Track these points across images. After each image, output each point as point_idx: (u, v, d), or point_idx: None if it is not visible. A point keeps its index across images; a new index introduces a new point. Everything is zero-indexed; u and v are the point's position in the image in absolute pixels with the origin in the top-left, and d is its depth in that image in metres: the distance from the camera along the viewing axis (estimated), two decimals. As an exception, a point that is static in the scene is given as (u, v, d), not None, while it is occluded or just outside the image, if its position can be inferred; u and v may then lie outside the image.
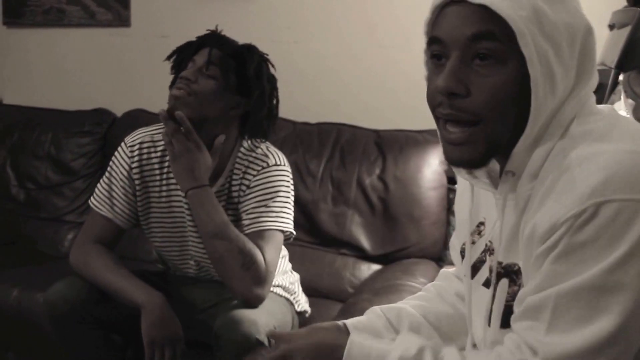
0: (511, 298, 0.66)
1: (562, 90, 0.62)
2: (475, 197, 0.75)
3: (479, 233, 0.76)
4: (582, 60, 0.64)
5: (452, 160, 0.65)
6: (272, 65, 1.27)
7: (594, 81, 0.66)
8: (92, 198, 1.28)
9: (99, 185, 1.28)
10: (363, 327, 0.79)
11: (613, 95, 1.42)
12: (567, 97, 0.63)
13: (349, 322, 0.80)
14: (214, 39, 1.24)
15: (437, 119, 0.66)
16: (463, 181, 0.78)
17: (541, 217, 0.60)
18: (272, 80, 1.27)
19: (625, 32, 1.28)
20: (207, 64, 1.20)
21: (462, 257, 0.77)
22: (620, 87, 1.35)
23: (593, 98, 0.67)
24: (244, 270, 1.13)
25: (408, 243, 1.57)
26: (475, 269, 0.75)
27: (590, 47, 0.64)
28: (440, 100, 0.63)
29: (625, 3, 1.39)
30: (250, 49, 1.25)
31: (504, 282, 0.67)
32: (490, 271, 0.71)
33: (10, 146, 1.99)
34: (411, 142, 1.62)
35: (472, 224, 0.76)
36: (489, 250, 0.72)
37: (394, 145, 1.62)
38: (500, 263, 0.68)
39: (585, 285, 0.57)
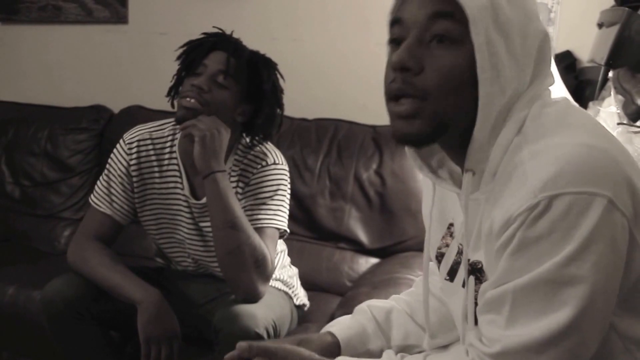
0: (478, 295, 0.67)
1: (514, 85, 0.63)
2: (441, 198, 0.75)
3: (451, 235, 0.76)
4: (539, 63, 0.65)
5: (400, 135, 0.65)
6: (282, 76, 1.26)
7: (550, 80, 0.67)
8: (91, 195, 1.28)
9: (98, 182, 1.28)
10: (353, 335, 0.82)
11: (603, 91, 1.45)
12: (522, 94, 0.64)
13: (339, 332, 0.81)
14: (228, 44, 1.20)
15: (387, 100, 0.65)
16: (427, 185, 0.78)
17: (497, 212, 0.61)
18: (281, 91, 1.26)
19: (613, 31, 1.32)
20: (223, 74, 1.16)
21: (439, 261, 0.77)
22: (610, 84, 1.39)
23: (548, 91, 0.68)
24: (255, 266, 1.13)
25: (405, 236, 1.58)
26: (453, 271, 0.75)
27: (546, 52, 0.66)
28: (394, 76, 0.64)
29: (613, 2, 1.42)
30: (265, 61, 1.23)
31: (472, 279, 0.68)
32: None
33: (6, 143, 1.98)
34: (407, 137, 1.64)
35: (441, 226, 0.76)
36: (462, 252, 0.72)
37: (390, 141, 1.60)
38: (468, 260, 0.68)
39: (542, 279, 0.57)
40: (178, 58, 1.23)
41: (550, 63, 0.67)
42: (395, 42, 0.66)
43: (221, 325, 1.09)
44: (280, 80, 1.26)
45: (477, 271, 0.67)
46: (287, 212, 1.25)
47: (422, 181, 0.82)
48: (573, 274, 0.56)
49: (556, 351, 0.57)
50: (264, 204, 1.21)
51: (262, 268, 1.14)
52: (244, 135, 1.26)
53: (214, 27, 1.26)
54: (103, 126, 1.94)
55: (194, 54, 1.20)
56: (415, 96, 0.63)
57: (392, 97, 0.65)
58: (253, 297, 1.15)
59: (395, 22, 0.66)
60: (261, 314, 1.11)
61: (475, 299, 0.67)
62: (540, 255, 0.57)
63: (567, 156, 0.58)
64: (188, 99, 1.15)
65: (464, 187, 0.67)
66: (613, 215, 0.57)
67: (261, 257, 1.14)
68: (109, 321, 1.22)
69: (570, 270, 0.56)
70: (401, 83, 0.63)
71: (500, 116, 0.63)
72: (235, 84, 1.18)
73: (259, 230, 1.18)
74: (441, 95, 0.62)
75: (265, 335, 1.09)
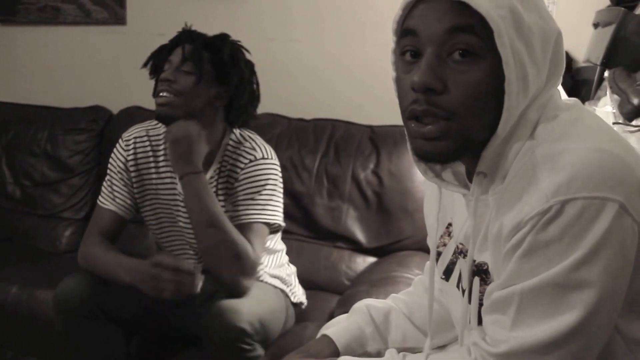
0: (483, 296, 0.67)
1: (533, 91, 0.62)
2: (442, 199, 0.74)
3: (449, 235, 0.76)
4: (554, 63, 0.64)
5: (424, 154, 0.64)
6: (247, 50, 1.30)
7: (560, 80, 0.66)
8: (98, 197, 1.32)
9: (103, 184, 1.33)
10: (351, 338, 0.82)
11: (599, 90, 1.46)
12: (537, 97, 0.63)
13: (337, 337, 0.82)
14: (185, 36, 1.26)
15: (408, 118, 0.63)
16: (430, 185, 0.78)
17: (507, 215, 0.61)
18: (249, 64, 1.29)
19: (609, 31, 1.32)
20: (182, 61, 1.22)
21: (435, 261, 0.78)
22: (605, 83, 1.39)
23: (558, 92, 0.67)
24: (234, 260, 1.16)
25: (402, 236, 1.59)
26: (448, 271, 0.75)
27: (560, 51, 0.65)
28: (415, 97, 0.61)
29: (608, 3, 1.43)
30: (222, 38, 1.27)
31: (477, 280, 0.68)
32: (460, 272, 0.72)
33: (6, 144, 1.99)
34: (404, 137, 1.62)
35: (440, 226, 0.76)
36: (461, 252, 0.72)
37: (387, 140, 1.64)
38: (474, 261, 0.68)
39: (550, 282, 0.57)
40: (144, 66, 1.29)
41: (564, 62, 0.66)
42: (407, 53, 0.63)
43: (208, 323, 1.11)
44: (247, 55, 1.29)
45: (482, 272, 0.67)
46: (280, 205, 1.27)
47: (424, 184, 0.82)
48: (582, 279, 0.56)
49: (561, 353, 0.58)
50: (252, 199, 1.23)
51: (242, 263, 1.16)
52: (233, 128, 1.28)
53: (181, 28, 1.30)
54: (102, 127, 1.96)
55: (159, 57, 1.27)
56: (442, 117, 0.61)
57: (414, 117, 0.62)
58: (238, 290, 1.17)
59: (407, 33, 0.63)
60: (246, 309, 1.13)
61: (480, 300, 0.67)
62: (550, 259, 0.57)
63: (579, 161, 0.57)
64: (161, 93, 1.21)
65: (475, 189, 0.66)
66: (624, 221, 0.57)
67: (241, 253, 1.16)
68: (117, 319, 1.24)
69: (579, 274, 0.56)
70: (426, 105, 0.61)
71: (516, 120, 0.62)
72: (196, 67, 1.22)
73: (246, 225, 1.21)
74: (468, 114, 0.61)
75: (250, 330, 1.10)
